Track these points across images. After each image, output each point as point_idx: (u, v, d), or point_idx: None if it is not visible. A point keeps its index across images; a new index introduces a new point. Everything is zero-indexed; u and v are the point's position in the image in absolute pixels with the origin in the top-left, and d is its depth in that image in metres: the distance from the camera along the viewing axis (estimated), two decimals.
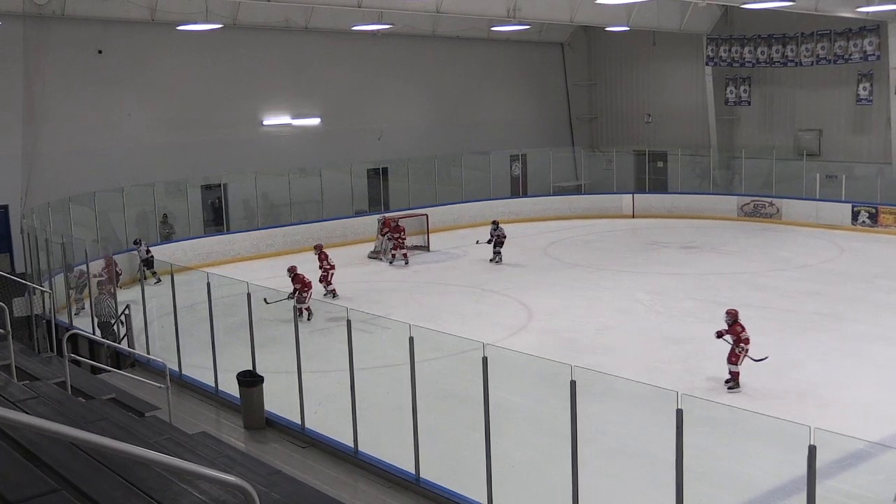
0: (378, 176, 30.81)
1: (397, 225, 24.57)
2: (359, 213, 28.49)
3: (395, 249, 24.28)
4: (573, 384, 8.46)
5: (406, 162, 31.06)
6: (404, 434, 10.19)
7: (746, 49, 32.31)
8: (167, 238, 24.97)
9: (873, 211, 28.46)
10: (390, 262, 24.27)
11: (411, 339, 9.86)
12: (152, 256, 21.94)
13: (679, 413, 7.71)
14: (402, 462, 10.24)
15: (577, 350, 15.60)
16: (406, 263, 23.97)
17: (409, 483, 10.10)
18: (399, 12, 25.79)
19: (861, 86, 30.34)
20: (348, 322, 10.74)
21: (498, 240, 23.28)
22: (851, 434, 10.08)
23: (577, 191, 35.02)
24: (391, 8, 23.74)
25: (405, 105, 33.00)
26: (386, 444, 11.02)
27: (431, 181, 31.18)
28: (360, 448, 10.82)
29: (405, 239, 24.45)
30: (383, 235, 24.91)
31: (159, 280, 20.76)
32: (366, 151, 30.98)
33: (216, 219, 27.04)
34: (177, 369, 13.98)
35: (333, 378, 12.31)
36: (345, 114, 31.04)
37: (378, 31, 28.79)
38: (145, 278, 18.82)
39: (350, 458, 10.86)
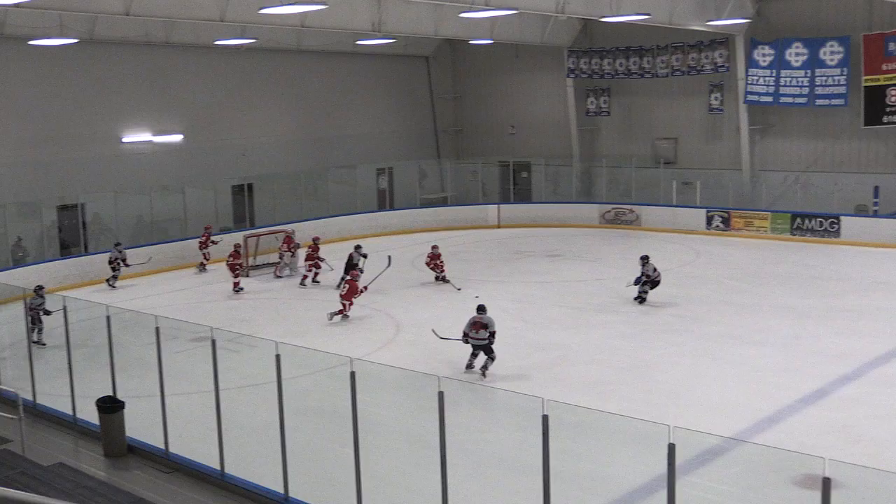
0: (243, 192, 30.33)
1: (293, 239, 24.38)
2: (224, 231, 27.98)
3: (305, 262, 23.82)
4: (441, 395, 8.50)
5: (271, 178, 30.70)
6: (272, 453, 10.05)
7: (605, 61, 33.25)
8: (19, 262, 23.94)
9: (726, 215, 29.65)
10: (293, 276, 24.03)
11: (278, 357, 9.74)
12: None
13: (545, 419, 7.84)
14: (271, 482, 10.09)
15: (446, 361, 15.69)
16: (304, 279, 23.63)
17: (277, 503, 9.95)
18: (262, 26, 25.48)
19: (713, 96, 31.60)
20: (213, 342, 10.52)
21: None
22: (707, 431, 10.48)
23: (444, 202, 35.27)
24: (254, 22, 23.42)
25: (270, 120, 32.64)
26: (254, 464, 10.84)
27: (297, 196, 30.91)
28: (227, 470, 10.60)
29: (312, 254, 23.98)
30: (289, 251, 24.66)
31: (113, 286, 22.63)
32: (230, 168, 30.47)
33: (72, 240, 26.10)
34: (31, 398, 13.40)
35: (198, 400, 12.04)
36: (208, 130, 30.47)
37: (241, 45, 28.40)
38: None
39: (216, 481, 10.62)
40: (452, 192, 36.25)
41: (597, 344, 16.90)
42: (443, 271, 22.50)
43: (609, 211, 32.16)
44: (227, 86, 31.04)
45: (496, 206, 33.35)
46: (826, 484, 6.47)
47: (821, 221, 27.74)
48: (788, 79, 29.32)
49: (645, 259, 20.00)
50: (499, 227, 32.26)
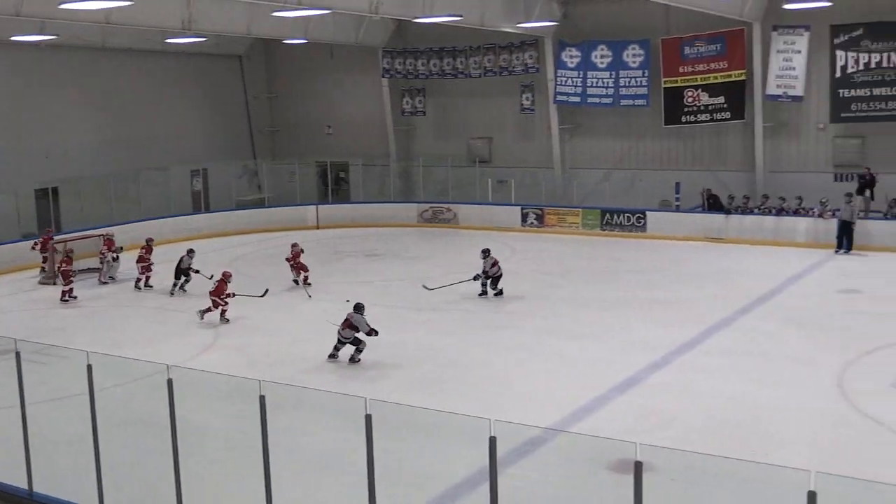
0: (47, 196, 28.85)
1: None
2: (27, 237, 26.55)
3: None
4: (262, 399, 8.39)
5: (78, 180, 29.36)
6: (86, 468, 9.63)
7: (420, 61, 33.63)
8: None
9: (540, 212, 30.57)
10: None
11: (89, 367, 9.34)
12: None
13: (368, 418, 7.86)
14: (85, 498, 9.66)
15: (268, 364, 15.48)
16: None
17: None
18: (64, 22, 24.29)
19: (524, 96, 32.49)
20: (17, 354, 9.98)
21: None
22: (528, 422, 10.78)
23: (261, 204, 34.74)
24: (54, 17, 22.31)
25: (77, 120, 31.25)
26: (66, 481, 10.35)
27: (107, 200, 29.69)
28: (36, 489, 10.08)
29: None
30: (111, 254, 23.71)
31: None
32: (33, 171, 28.92)
33: None
34: None
35: (4, 415, 11.39)
36: (7, 131, 28.83)
37: (41, 42, 27.03)
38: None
39: (25, 501, 10.09)
40: (270, 193, 35.75)
41: (419, 342, 17.07)
42: (299, 273, 22.02)
43: (427, 210, 32.55)
44: (27, 84, 29.49)
45: (314, 206, 33.14)
46: (638, 467, 6.78)
47: (628, 217, 29.01)
48: (595, 80, 30.50)
49: (485, 253, 20.37)
50: (318, 228, 32.07)
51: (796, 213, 26.55)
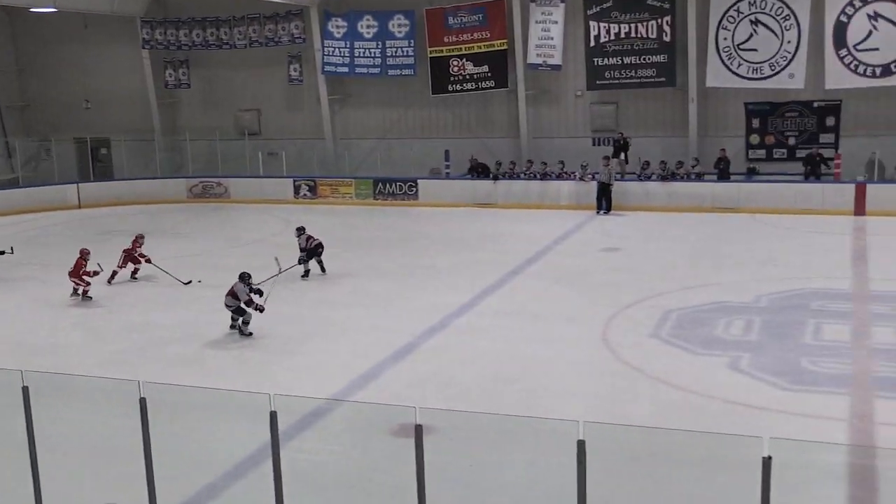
0: None
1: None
2: None
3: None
4: (26, 390, 7.94)
5: None
6: None
7: (182, 32, 32.49)
8: None
9: (313, 184, 30.44)
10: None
11: None
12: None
13: (142, 401, 7.61)
14: None
15: (32, 353, 14.63)
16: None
17: None
18: None
19: (292, 67, 32.12)
20: None
21: None
22: (309, 394, 10.76)
23: (14, 184, 32.58)
24: None
25: None
26: None
27: None
28: None
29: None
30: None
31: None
32: None
33: None
34: None
35: None
36: None
37: None
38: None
39: None
40: (23, 172, 33.57)
41: (191, 321, 16.62)
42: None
43: (196, 185, 31.68)
44: None
45: (75, 185, 31.48)
46: (418, 430, 6.92)
47: (400, 185, 29.38)
48: (362, 50, 30.56)
49: (299, 231, 19.87)
50: (80, 207, 30.51)
51: (559, 177, 27.77)
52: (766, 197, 25.62)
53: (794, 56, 26.48)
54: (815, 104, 27.18)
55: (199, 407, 10.06)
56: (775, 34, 26.63)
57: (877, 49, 25.74)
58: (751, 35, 26.90)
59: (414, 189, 29.19)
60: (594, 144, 29.37)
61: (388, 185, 29.52)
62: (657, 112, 28.96)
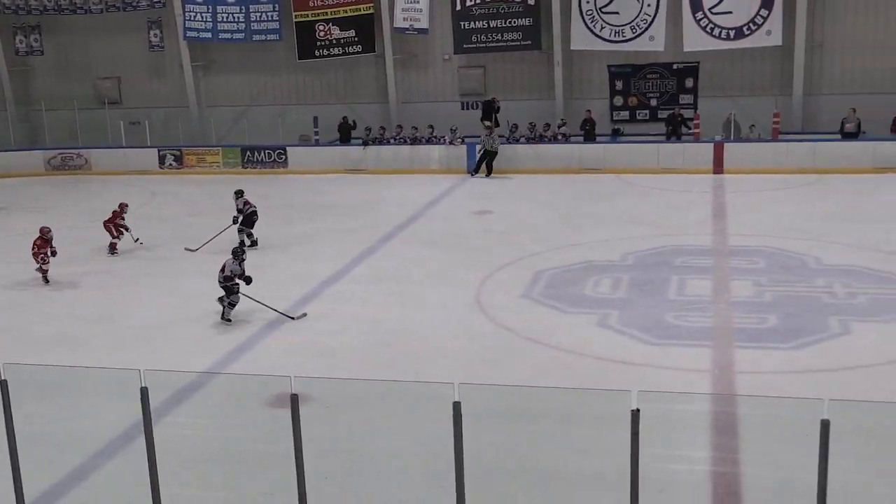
0: None
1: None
2: None
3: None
4: None
5: None
6: None
7: None
8: None
9: (178, 153, 29.65)
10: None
11: None
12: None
13: (3, 384, 7.34)
14: None
15: None
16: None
17: None
18: None
19: (152, 33, 31.17)
20: None
21: None
22: (182, 369, 10.56)
23: None
24: None
25: None
26: None
27: None
28: None
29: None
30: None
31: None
32: None
33: None
34: None
35: None
36: None
37: None
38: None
39: None
40: None
41: (56, 297, 16.07)
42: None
43: (55, 157, 30.44)
44: None
45: None
46: (294, 400, 6.89)
47: (269, 153, 28.93)
48: (225, 14, 29.87)
49: (238, 194, 19.32)
50: None
51: (429, 141, 27.83)
52: (630, 157, 26.28)
53: (653, 19, 27.16)
54: (675, 66, 28.01)
55: (68, 387, 9.77)
56: None
57: (730, 12, 26.63)
58: None
59: (283, 157, 28.79)
60: (463, 108, 29.54)
61: (256, 154, 29.02)
62: (524, 75, 29.31)
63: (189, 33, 30.25)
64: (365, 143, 28.17)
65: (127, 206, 19.41)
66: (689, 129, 27.06)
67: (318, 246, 19.13)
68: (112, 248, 18.77)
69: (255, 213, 19.15)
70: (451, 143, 27.43)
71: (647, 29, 27.26)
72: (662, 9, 27.04)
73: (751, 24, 26.59)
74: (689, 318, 13.75)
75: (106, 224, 18.92)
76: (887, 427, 7.57)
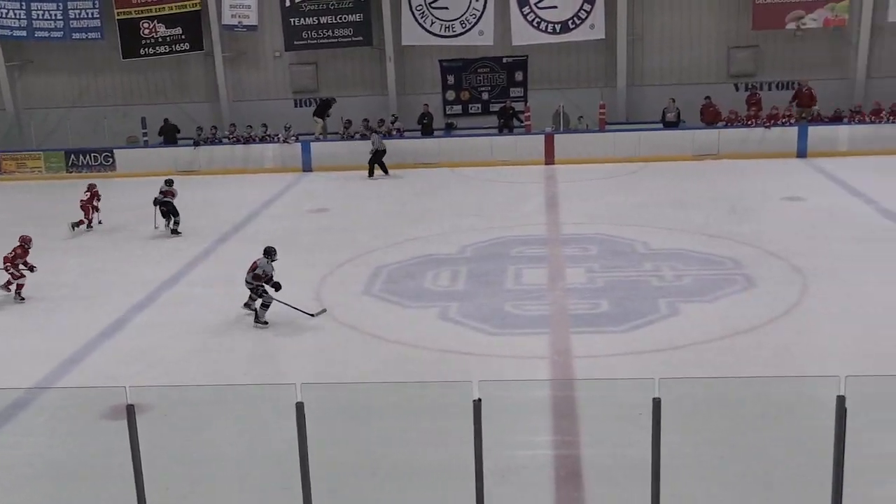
0: None
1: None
2: None
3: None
4: None
5: None
6: None
7: None
8: None
9: None
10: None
11: None
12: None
13: None
14: None
15: None
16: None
17: None
18: None
19: None
20: None
21: None
22: (6, 386, 10.07)
23: None
24: None
25: None
26: None
27: None
28: None
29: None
30: None
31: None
32: None
33: None
34: None
35: None
36: None
37: None
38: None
39: None
40: None
41: None
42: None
43: None
44: None
45: None
46: (130, 410, 6.67)
47: (95, 156, 27.85)
48: (40, 12, 28.58)
49: (168, 182, 20.40)
50: None
51: (263, 140, 27.41)
52: (464, 151, 26.65)
53: (482, 14, 27.63)
54: (505, 60, 28.58)
55: None
56: None
57: (555, 7, 27.40)
58: None
59: (110, 160, 27.75)
60: (296, 106, 29.26)
61: (81, 157, 27.86)
62: (356, 71, 29.28)
63: (1, 32, 28.76)
64: (196, 144, 27.48)
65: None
66: (521, 121, 27.67)
67: (151, 249, 18.57)
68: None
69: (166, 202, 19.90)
70: (284, 141, 27.11)
71: (476, 24, 27.70)
72: (490, 4, 27.55)
73: (575, 19, 27.43)
74: (527, 306, 14.08)
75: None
76: (714, 401, 7.98)
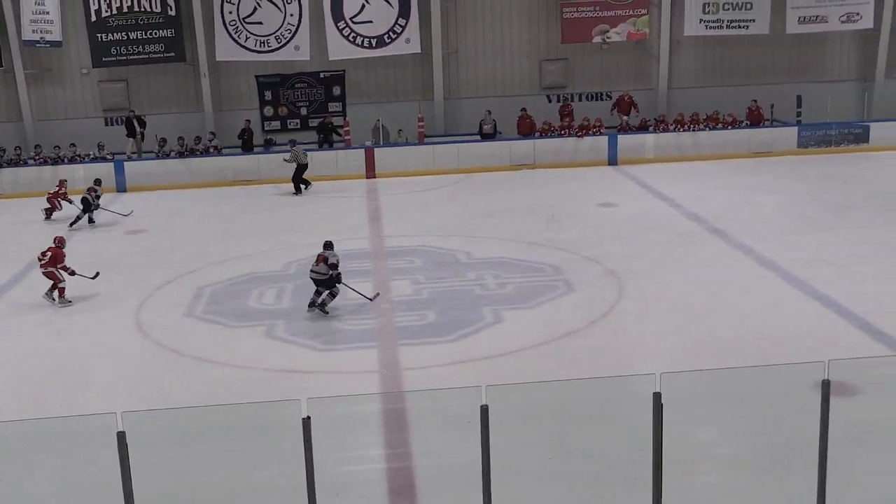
0: None
1: None
2: None
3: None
4: None
5: None
6: None
7: None
8: None
9: None
10: None
11: None
12: None
13: None
14: None
15: None
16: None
17: None
18: None
19: None
20: None
21: None
22: None
23: None
24: None
25: None
26: None
27: None
28: None
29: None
30: None
31: None
32: None
33: None
34: None
35: None
36: None
37: None
38: None
39: None
40: None
41: None
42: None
43: None
44: None
45: None
46: None
47: None
48: None
49: (98, 182, 22.30)
50: None
51: (73, 160, 26.23)
52: (285, 166, 26.33)
53: (297, 29, 27.46)
54: (322, 75, 28.50)
55: None
56: (278, 7, 27.38)
57: (371, 22, 27.55)
58: (255, 8, 27.39)
59: None
60: (107, 124, 28.21)
61: None
62: (170, 88, 28.50)
63: None
64: None
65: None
66: (340, 136, 27.66)
67: None
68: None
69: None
70: (94, 160, 26.06)
71: (291, 39, 27.50)
72: (306, 19, 27.41)
73: (391, 33, 27.67)
74: (354, 321, 14.09)
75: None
76: (540, 404, 8.20)
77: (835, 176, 23.86)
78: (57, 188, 22.99)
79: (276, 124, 28.64)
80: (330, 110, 28.53)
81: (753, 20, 28.40)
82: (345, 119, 27.97)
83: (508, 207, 21.69)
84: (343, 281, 14.24)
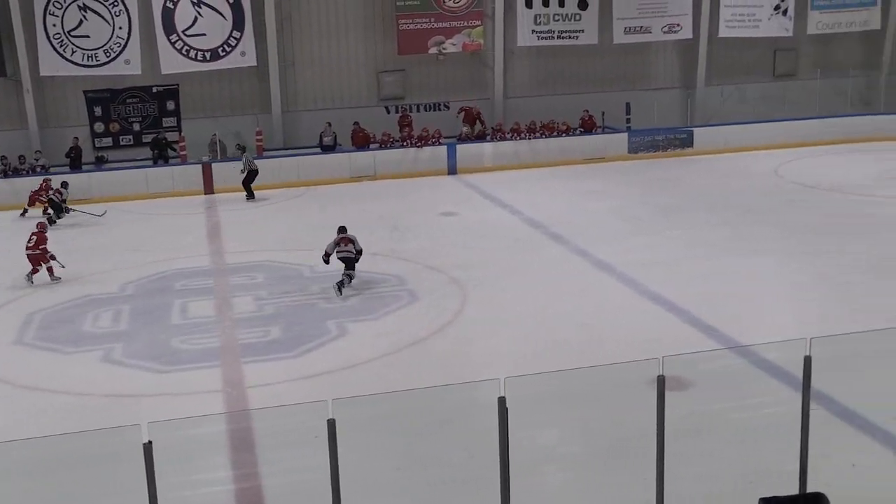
0: None
1: None
2: None
3: None
4: None
5: None
6: None
7: None
8: None
9: None
10: None
11: None
12: None
13: None
14: None
15: None
16: None
17: None
18: None
19: None
20: None
21: None
22: None
23: None
24: None
25: None
26: None
27: None
28: None
29: None
30: None
31: None
32: None
33: None
34: None
35: None
36: None
37: None
38: None
39: None
40: None
41: None
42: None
43: None
44: None
45: None
46: None
47: None
48: None
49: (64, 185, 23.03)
50: None
51: None
52: (118, 184, 25.48)
53: (127, 42, 26.66)
54: (155, 89, 27.72)
55: None
56: (106, 20, 26.51)
57: (204, 34, 27.04)
58: (81, 21, 26.42)
59: None
60: None
61: None
62: None
63: None
64: None
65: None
66: (176, 151, 26.98)
67: None
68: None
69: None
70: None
71: (121, 52, 26.66)
72: (136, 32, 26.63)
73: (225, 46, 27.23)
74: (195, 340, 13.77)
75: None
76: (388, 415, 8.22)
77: (663, 179, 24.95)
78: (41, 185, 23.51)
79: (108, 141, 27.65)
80: (164, 125, 27.79)
81: (583, 31, 29.45)
82: (180, 134, 27.29)
83: (351, 219, 21.60)
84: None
